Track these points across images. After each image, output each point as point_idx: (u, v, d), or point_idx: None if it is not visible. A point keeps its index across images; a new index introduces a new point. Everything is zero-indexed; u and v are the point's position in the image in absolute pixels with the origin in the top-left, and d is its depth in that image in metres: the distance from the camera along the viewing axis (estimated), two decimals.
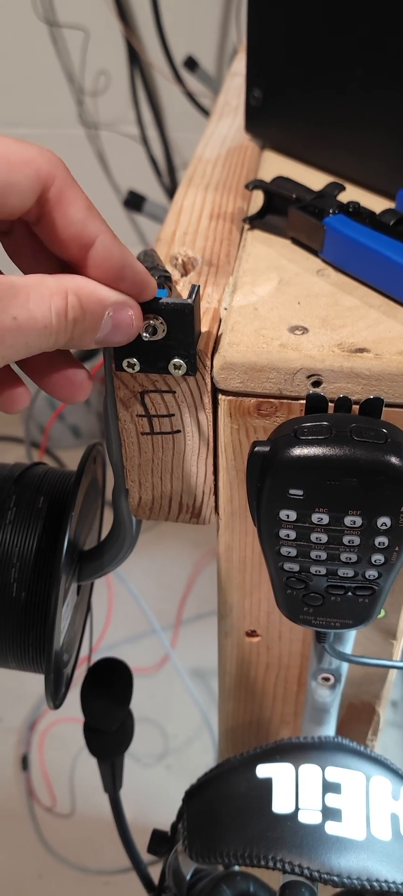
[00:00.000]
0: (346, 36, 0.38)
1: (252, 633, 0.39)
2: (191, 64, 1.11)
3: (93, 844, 0.97)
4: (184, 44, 1.23)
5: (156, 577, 1.26)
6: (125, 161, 1.42)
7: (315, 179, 0.42)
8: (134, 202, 1.03)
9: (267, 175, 0.43)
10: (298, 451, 0.27)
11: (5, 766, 1.05)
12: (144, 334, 0.27)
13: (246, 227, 0.38)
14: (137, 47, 1.27)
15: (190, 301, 0.27)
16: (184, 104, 1.28)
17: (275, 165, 0.45)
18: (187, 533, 1.37)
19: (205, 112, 1.24)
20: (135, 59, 1.31)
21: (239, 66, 0.63)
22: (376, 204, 0.39)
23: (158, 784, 1.01)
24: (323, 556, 0.29)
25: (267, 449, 0.28)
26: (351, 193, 0.40)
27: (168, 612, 1.23)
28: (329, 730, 0.42)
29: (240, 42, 1.15)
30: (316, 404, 0.29)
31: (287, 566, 0.30)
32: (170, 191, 1.41)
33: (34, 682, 1.19)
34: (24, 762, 1.05)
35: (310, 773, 0.37)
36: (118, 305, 0.25)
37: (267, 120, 0.46)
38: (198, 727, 1.08)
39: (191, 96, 1.24)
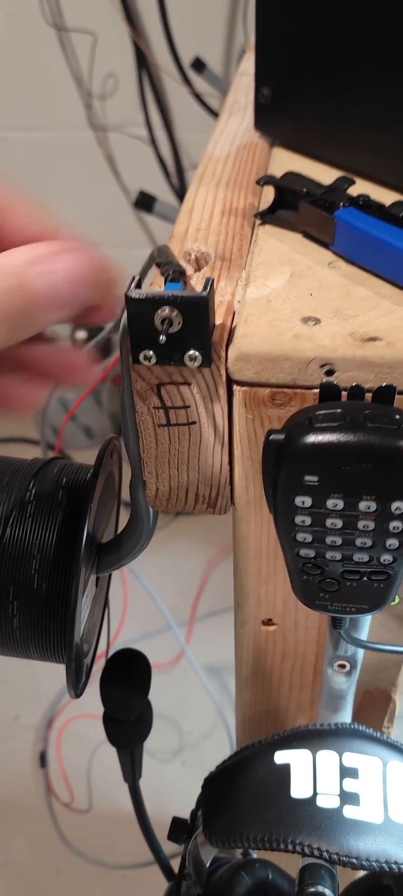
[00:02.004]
0: (354, 32, 0.39)
1: (268, 622, 0.40)
2: (199, 65, 1.12)
3: (110, 839, 0.98)
4: (192, 45, 1.24)
5: (170, 574, 1.27)
6: (134, 163, 1.44)
7: (324, 174, 0.43)
8: (144, 202, 1.04)
9: (277, 171, 0.43)
10: (313, 438, 0.27)
11: (24, 764, 1.07)
12: (160, 327, 0.28)
13: (258, 222, 0.39)
14: (145, 49, 1.29)
15: (204, 294, 0.28)
16: (192, 105, 1.29)
17: (285, 162, 0.45)
18: (200, 530, 1.38)
19: (213, 112, 1.25)
20: (143, 61, 1.32)
21: (247, 65, 0.64)
22: (385, 197, 0.39)
23: (174, 779, 1.02)
24: (339, 541, 0.30)
25: (282, 437, 0.28)
26: (361, 187, 0.40)
27: (182, 609, 1.24)
28: (345, 717, 0.42)
29: (248, 42, 1.15)
30: (329, 393, 0.29)
31: (303, 552, 0.31)
32: (179, 191, 1.42)
33: (50, 680, 1.21)
34: (42, 759, 1.06)
35: (328, 758, 0.38)
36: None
37: (276, 117, 0.46)
38: (213, 723, 1.09)
39: (198, 97, 1.25)
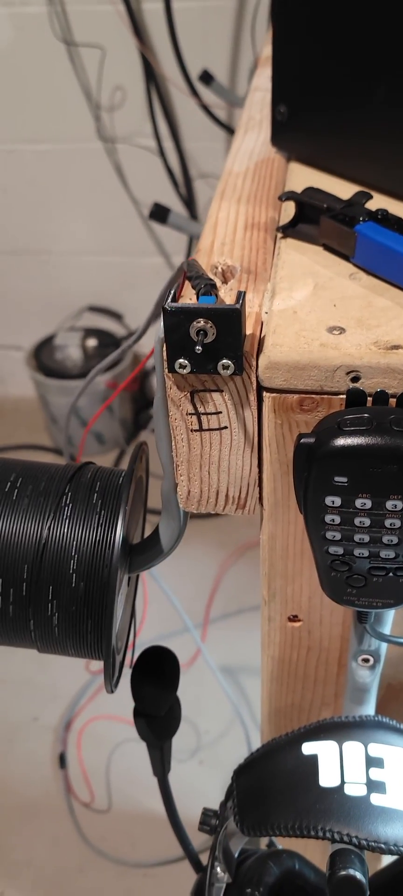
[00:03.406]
0: (369, 49, 0.41)
1: (294, 618, 0.42)
2: (207, 78, 1.14)
3: (131, 838, 0.99)
4: (199, 57, 1.27)
5: (183, 577, 1.28)
6: (142, 173, 1.46)
7: (341, 189, 0.44)
8: (159, 214, 1.06)
9: (294, 186, 0.45)
10: (342, 442, 0.29)
11: (44, 765, 1.09)
12: (196, 338, 0.30)
13: (280, 235, 0.41)
14: (153, 62, 1.31)
15: (237, 306, 0.30)
16: (199, 116, 1.31)
17: (302, 176, 0.47)
18: (212, 533, 1.39)
19: (221, 123, 1.27)
20: (151, 73, 1.35)
21: (260, 80, 0.66)
22: (402, 210, 0.41)
23: (192, 779, 1.04)
24: (366, 538, 0.31)
25: (312, 440, 0.30)
26: (378, 201, 0.42)
27: (196, 611, 1.25)
28: (369, 709, 0.44)
29: (255, 54, 1.18)
30: (355, 398, 0.31)
31: (332, 549, 0.32)
32: (187, 201, 1.44)
33: (68, 682, 1.22)
34: (62, 760, 1.08)
35: (354, 749, 0.39)
36: None
37: (292, 134, 0.48)
38: (230, 722, 1.11)
39: (206, 108, 1.27)
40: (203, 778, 1.04)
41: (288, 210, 0.41)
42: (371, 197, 0.39)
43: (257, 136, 0.55)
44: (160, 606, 1.02)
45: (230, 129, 1.28)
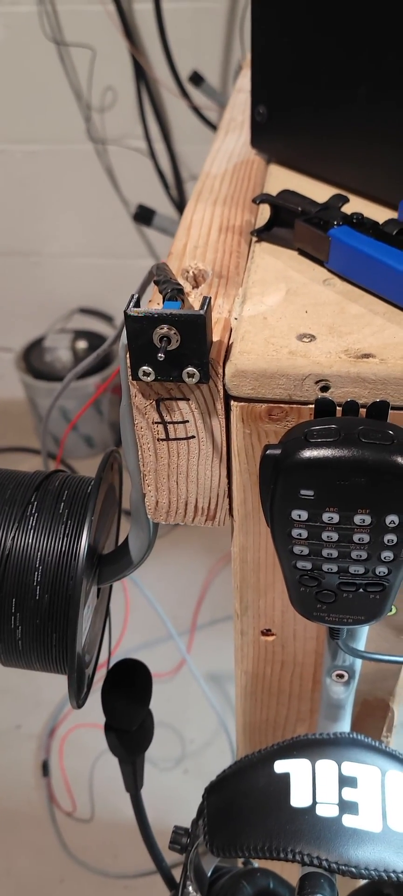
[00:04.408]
0: (349, 52, 0.40)
1: (267, 632, 0.40)
2: (197, 79, 1.13)
3: (113, 849, 0.98)
4: (189, 59, 1.26)
5: (171, 583, 1.27)
6: (133, 174, 1.45)
7: (320, 191, 0.44)
8: (143, 216, 1.05)
9: (273, 188, 0.44)
10: (308, 454, 0.28)
11: (26, 773, 1.07)
12: (159, 345, 0.29)
13: (254, 239, 0.40)
14: (143, 64, 1.30)
15: (202, 312, 0.29)
16: (190, 117, 1.30)
17: (281, 179, 0.46)
18: (200, 539, 1.38)
19: (211, 125, 1.26)
20: (141, 74, 1.34)
21: (244, 82, 0.65)
22: (379, 214, 0.40)
23: (176, 788, 1.02)
24: (335, 553, 0.30)
25: (278, 452, 0.29)
26: (355, 204, 0.41)
27: (183, 617, 1.24)
28: (344, 726, 0.42)
29: (244, 58, 1.17)
30: (324, 408, 0.30)
31: (299, 564, 0.31)
32: (178, 203, 1.43)
33: (51, 689, 1.21)
34: (45, 768, 1.06)
35: (327, 767, 0.38)
36: None
37: (272, 135, 0.47)
38: (215, 731, 1.09)
39: (196, 110, 1.26)
40: (187, 787, 1.03)
41: (265, 213, 0.40)
42: (347, 200, 0.38)
43: (238, 137, 0.54)
44: (146, 613, 1.01)
45: None
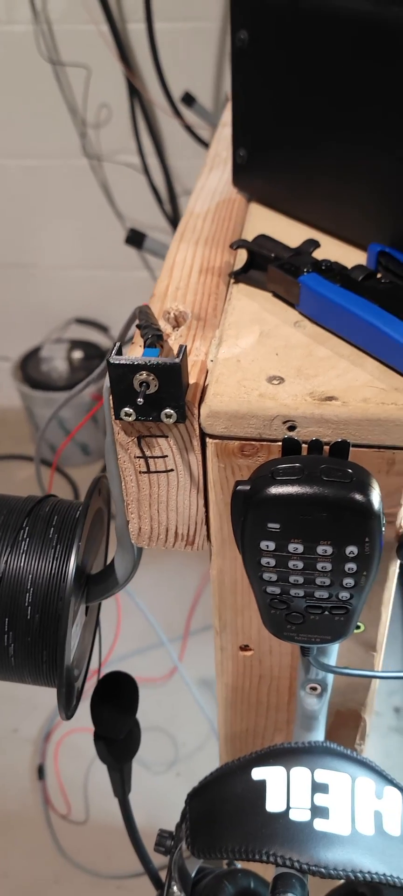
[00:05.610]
0: (322, 101, 0.43)
1: (245, 648, 0.43)
2: (189, 99, 1.16)
3: (106, 850, 1.00)
4: (182, 79, 1.28)
5: (164, 589, 1.29)
6: (127, 189, 1.48)
7: (296, 231, 0.46)
8: (135, 239, 1.08)
9: (252, 228, 0.47)
10: (274, 490, 0.31)
11: (22, 776, 1.10)
12: (139, 389, 0.32)
13: (232, 280, 0.42)
14: (137, 85, 1.33)
15: (177, 360, 0.31)
16: (183, 133, 1.33)
17: (261, 218, 0.49)
18: None
19: (204, 143, 1.29)
20: (135, 92, 1.37)
21: (228, 115, 0.68)
22: (350, 256, 0.43)
23: (169, 790, 1.05)
24: (301, 580, 0.33)
25: (247, 488, 0.32)
26: (328, 246, 0.44)
27: (176, 623, 1.27)
28: (318, 735, 0.45)
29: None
30: (290, 447, 0.32)
31: (269, 589, 0.34)
32: (172, 218, 1.45)
33: (47, 695, 1.23)
34: (40, 772, 1.09)
35: (301, 774, 0.41)
36: None
37: (252, 176, 0.50)
38: (206, 735, 1.12)
39: (189, 129, 1.29)
40: (180, 789, 1.05)
41: (242, 255, 0.43)
42: (318, 245, 0.41)
43: (221, 174, 0.56)
44: (139, 619, 1.03)
45: None
